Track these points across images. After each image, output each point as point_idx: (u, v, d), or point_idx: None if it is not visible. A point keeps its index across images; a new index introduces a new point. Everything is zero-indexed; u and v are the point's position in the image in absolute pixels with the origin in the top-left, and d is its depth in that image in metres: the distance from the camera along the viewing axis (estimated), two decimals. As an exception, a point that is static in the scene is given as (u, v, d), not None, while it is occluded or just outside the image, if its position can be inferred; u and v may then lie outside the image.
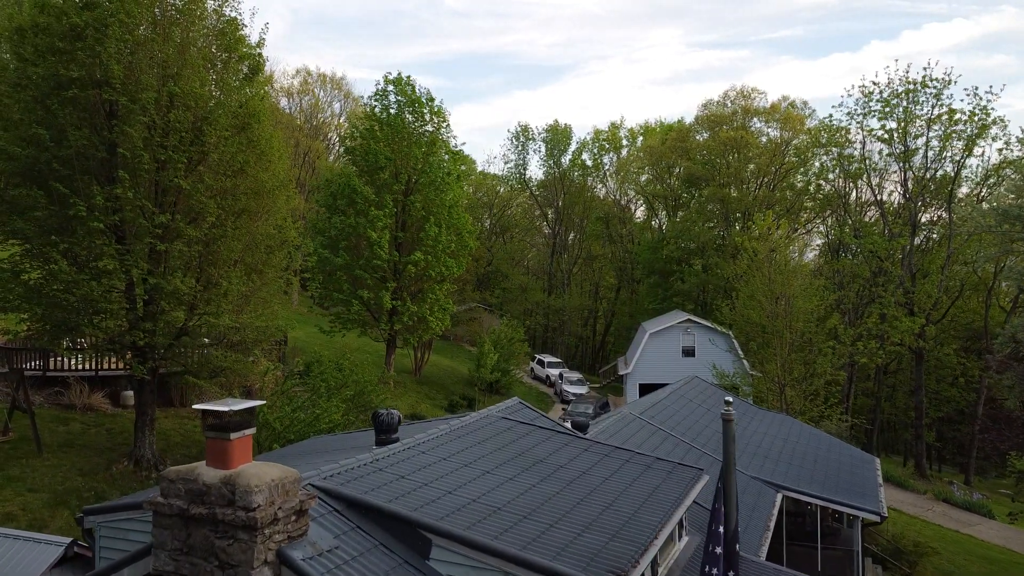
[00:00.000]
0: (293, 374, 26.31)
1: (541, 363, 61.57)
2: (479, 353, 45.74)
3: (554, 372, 59.23)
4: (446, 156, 44.19)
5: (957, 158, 49.02)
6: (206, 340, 26.12)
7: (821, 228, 66.22)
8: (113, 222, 21.70)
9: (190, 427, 29.62)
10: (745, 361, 50.45)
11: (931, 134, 48.65)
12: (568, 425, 33.16)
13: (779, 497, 21.48)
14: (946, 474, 57.23)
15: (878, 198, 53.23)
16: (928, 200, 51.54)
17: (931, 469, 53.70)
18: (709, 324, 53.17)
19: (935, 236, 52.82)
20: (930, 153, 49.12)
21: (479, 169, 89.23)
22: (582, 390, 54.65)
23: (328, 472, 9.98)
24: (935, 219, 53.59)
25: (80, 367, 28.73)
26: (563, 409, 46.51)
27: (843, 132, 51.41)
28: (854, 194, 55.31)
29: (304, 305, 65.90)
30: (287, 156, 27.69)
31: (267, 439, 22.89)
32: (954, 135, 47.88)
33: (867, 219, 55.57)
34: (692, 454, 22.02)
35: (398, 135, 42.21)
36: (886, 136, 49.22)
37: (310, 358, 36.89)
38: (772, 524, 19.37)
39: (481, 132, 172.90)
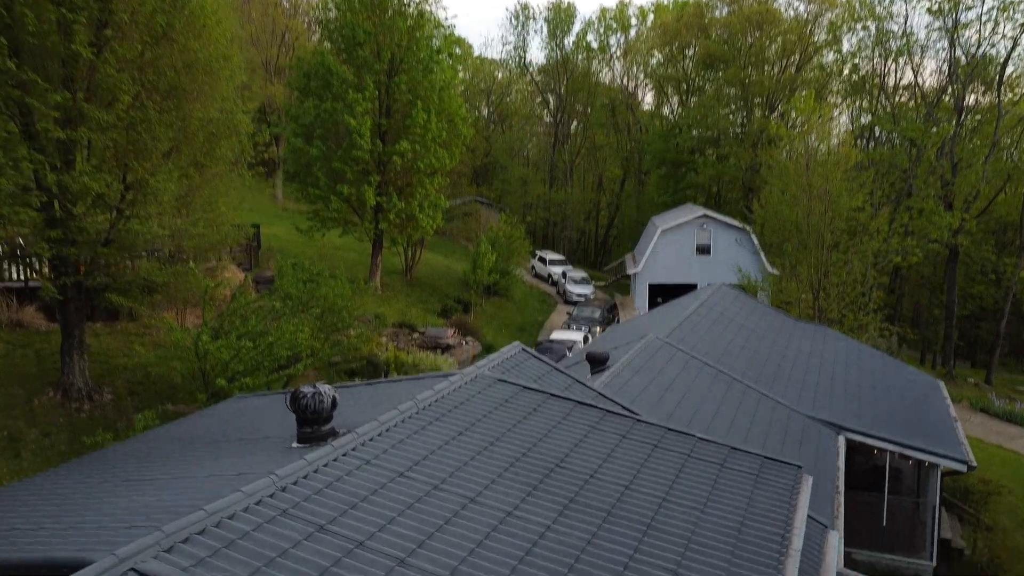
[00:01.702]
0: (247, 288, 21.50)
1: (543, 260, 56.87)
2: (475, 254, 40.98)
3: (557, 270, 54.60)
4: (436, 32, 38.13)
5: (1012, 34, 42.92)
6: (143, 252, 21.34)
7: (845, 117, 60.35)
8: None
9: (139, 344, 25.14)
10: (764, 259, 45.83)
11: (986, 5, 42.39)
12: (576, 334, 28.75)
13: (842, 442, 17.18)
14: (959, 370, 53.63)
15: (919, 80, 47.26)
16: (975, 82, 45.64)
17: (943, 367, 49.85)
18: (727, 220, 48.18)
19: (979, 118, 47.22)
20: (984, 29, 42.93)
21: (476, 53, 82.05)
22: (587, 290, 50.19)
23: (177, 535, 5.34)
24: (979, 103, 47.86)
25: (6, 276, 24.09)
26: (568, 314, 42.10)
27: (886, 3, 44.99)
28: (892, 77, 49.23)
29: (290, 198, 60.59)
30: (231, 22, 22.04)
31: (213, 371, 18.43)
32: (1013, 5, 41.57)
33: (903, 105, 49.71)
34: (747, 396, 17.60)
35: (380, 6, 36.04)
36: (936, 7, 42.86)
37: (288, 262, 32.15)
38: (842, 483, 15.11)
39: (477, 14, 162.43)
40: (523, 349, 11.28)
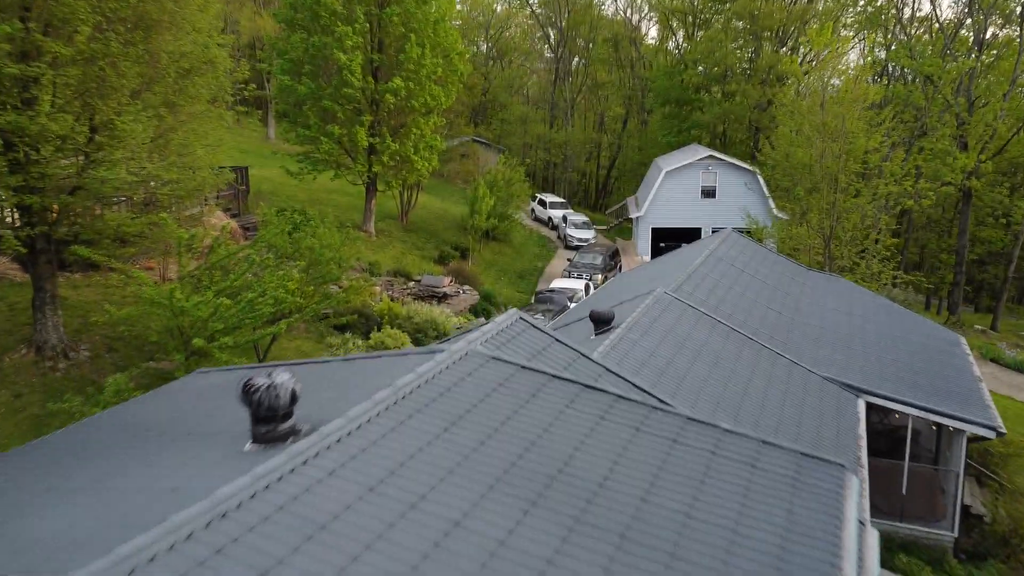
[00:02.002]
0: (226, 238, 19.99)
1: (543, 204, 55.23)
2: (472, 198, 39.42)
3: (557, 214, 53.03)
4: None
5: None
6: (114, 201, 19.88)
7: (856, 53, 57.95)
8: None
9: (119, 297, 23.82)
10: (772, 203, 44.27)
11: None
12: (576, 280, 27.59)
13: (862, 406, 16.02)
14: (965, 315, 52.47)
15: (936, 12, 44.85)
16: (995, 14, 43.36)
17: (950, 313, 48.66)
18: (733, 161, 46.43)
19: (995, 54, 45.05)
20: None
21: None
22: (588, 235, 48.73)
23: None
24: (998, 38, 45.62)
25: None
26: (568, 260, 40.74)
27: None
28: (909, 8, 46.79)
29: (284, 139, 58.63)
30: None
31: (192, 330, 17.14)
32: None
33: (920, 38, 47.42)
34: (761, 357, 16.35)
35: (370, -70, 33.81)
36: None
37: (272, 209, 30.69)
38: (864, 456, 13.97)
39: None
40: (521, 318, 9.98)
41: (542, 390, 7.74)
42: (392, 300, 31.77)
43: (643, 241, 47.15)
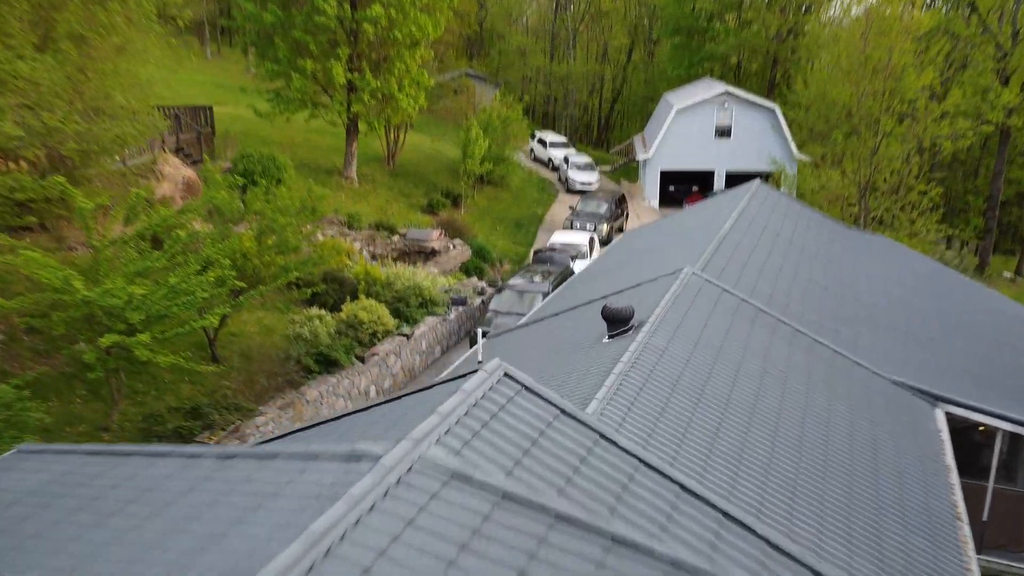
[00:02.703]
0: (140, 202, 16.00)
1: (542, 143, 51.02)
2: (465, 140, 35.41)
3: (558, 154, 48.92)
4: None
5: None
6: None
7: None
8: None
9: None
10: (792, 144, 40.29)
11: None
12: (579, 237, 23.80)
13: (941, 420, 12.66)
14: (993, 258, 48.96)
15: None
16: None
17: (976, 257, 45.07)
18: (751, 97, 42.20)
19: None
20: None
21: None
22: (592, 178, 44.74)
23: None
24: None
25: None
26: (570, 208, 36.93)
27: None
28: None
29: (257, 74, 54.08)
30: None
31: (109, 319, 13.60)
32: None
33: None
34: (817, 357, 12.87)
35: None
36: None
37: (217, 166, 27.03)
38: (959, 497, 10.66)
39: None
40: (507, 375, 6.44)
41: (533, 558, 4.29)
42: (374, 258, 28.21)
43: (651, 185, 43.31)
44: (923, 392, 13.18)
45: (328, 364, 18.20)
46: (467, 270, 28.03)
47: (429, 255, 29.25)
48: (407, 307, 21.96)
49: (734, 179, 42.76)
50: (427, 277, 23.95)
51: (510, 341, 14.59)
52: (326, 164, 35.44)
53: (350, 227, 29.24)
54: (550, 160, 49.54)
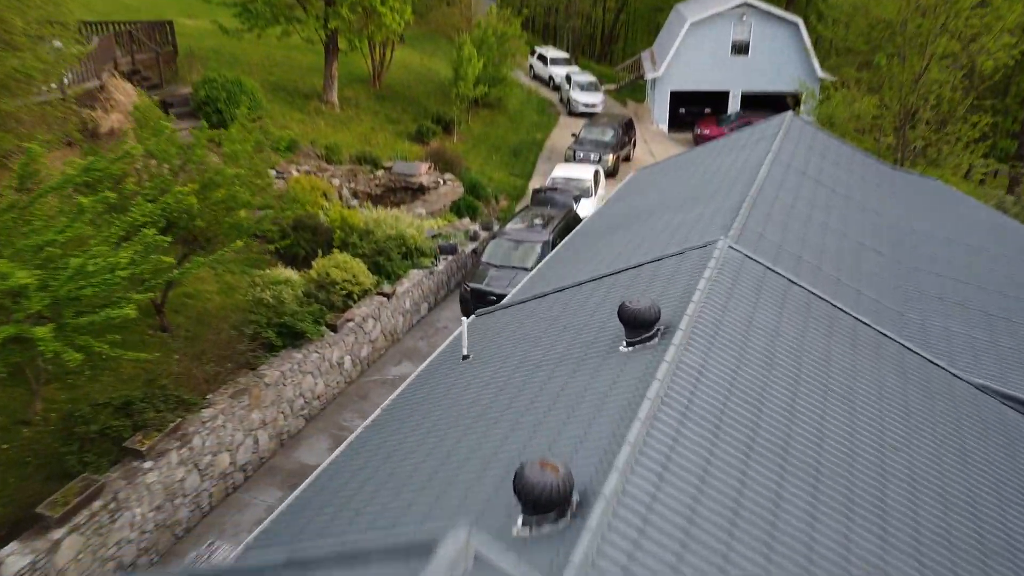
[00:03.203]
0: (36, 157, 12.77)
1: (543, 59, 47.11)
2: (457, 60, 31.80)
3: (559, 72, 45.12)
4: None
5: None
6: None
7: None
8: None
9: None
10: (816, 63, 36.67)
11: None
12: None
13: (1038, 436, 10.09)
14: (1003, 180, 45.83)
15: None
16: None
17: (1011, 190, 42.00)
18: (772, 10, 38.25)
19: None
20: None
21: None
22: (596, 99, 41.13)
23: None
24: None
25: None
26: (573, 135, 33.61)
27: None
28: None
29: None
30: None
31: None
32: None
33: None
34: (883, 356, 10.18)
35: None
36: None
37: (145, 101, 23.90)
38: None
39: None
40: (478, 559, 3.78)
41: None
42: (356, 196, 25.25)
43: (660, 107, 39.81)
44: (1014, 399, 10.58)
45: (294, 336, 15.56)
46: (458, 209, 25.10)
47: (416, 192, 26.27)
48: (388, 260, 19.17)
49: (750, 101, 39.29)
50: (412, 223, 21.06)
51: (500, 332, 11.93)
52: (305, 87, 32.00)
53: (329, 161, 26.16)
54: (551, 78, 45.78)
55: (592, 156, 30.59)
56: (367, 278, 18.01)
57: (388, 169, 26.87)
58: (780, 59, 37.47)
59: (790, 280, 11.08)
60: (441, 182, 26.50)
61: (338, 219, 20.13)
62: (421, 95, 36.15)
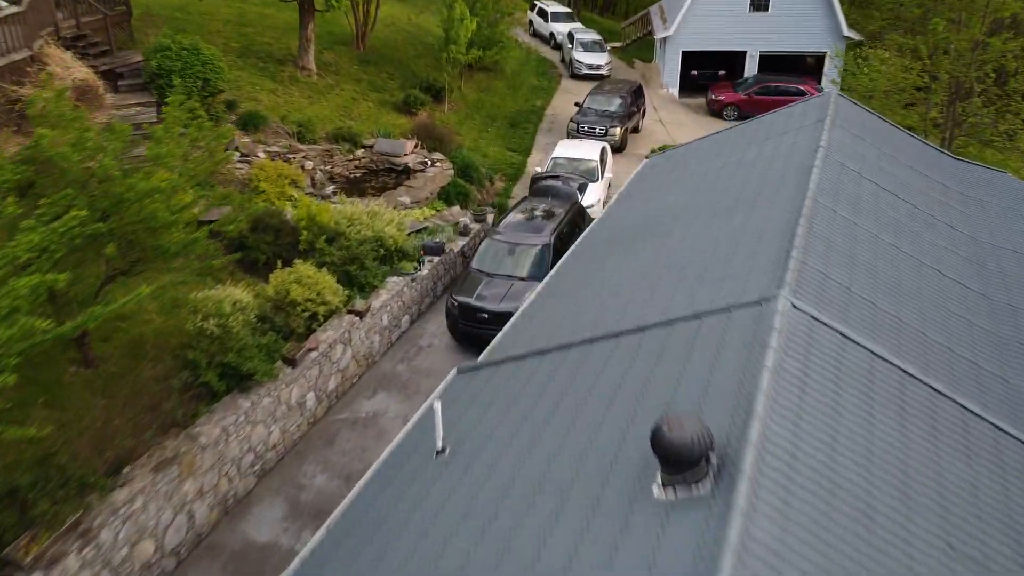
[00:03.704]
0: None
1: (543, 14, 43.35)
2: (447, 20, 28.30)
3: (561, 29, 41.44)
4: None
5: None
6: None
7: None
8: None
9: None
10: (842, 19, 33.22)
11: None
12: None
13: None
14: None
15: None
16: None
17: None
18: (795, -39, 34.56)
19: None
20: None
21: None
22: (601, 60, 37.60)
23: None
24: None
25: None
26: (576, 105, 30.21)
27: None
28: None
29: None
30: None
31: None
32: None
33: None
34: (1008, 462, 7.40)
35: None
36: None
37: (160, 45, 21.05)
38: None
39: None
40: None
41: None
42: (332, 182, 22.20)
43: (670, 69, 36.33)
44: None
45: (240, 379, 12.75)
46: (448, 196, 22.04)
47: (401, 174, 23.19)
48: (362, 270, 16.24)
49: (769, 62, 35.84)
50: (392, 220, 18.04)
51: (487, 409, 9.11)
52: (279, 50, 28.61)
53: (302, 140, 23.03)
54: (552, 35, 42.13)
55: (598, 129, 27.38)
56: (335, 295, 15.12)
57: (369, 148, 23.76)
58: (803, 16, 33.94)
59: (873, 353, 8.21)
60: (429, 163, 23.38)
61: (305, 217, 17.13)
62: (410, 58, 32.73)
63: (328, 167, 22.58)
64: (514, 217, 18.23)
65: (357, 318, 15.35)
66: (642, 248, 12.78)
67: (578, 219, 18.61)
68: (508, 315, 14.65)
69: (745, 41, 35.53)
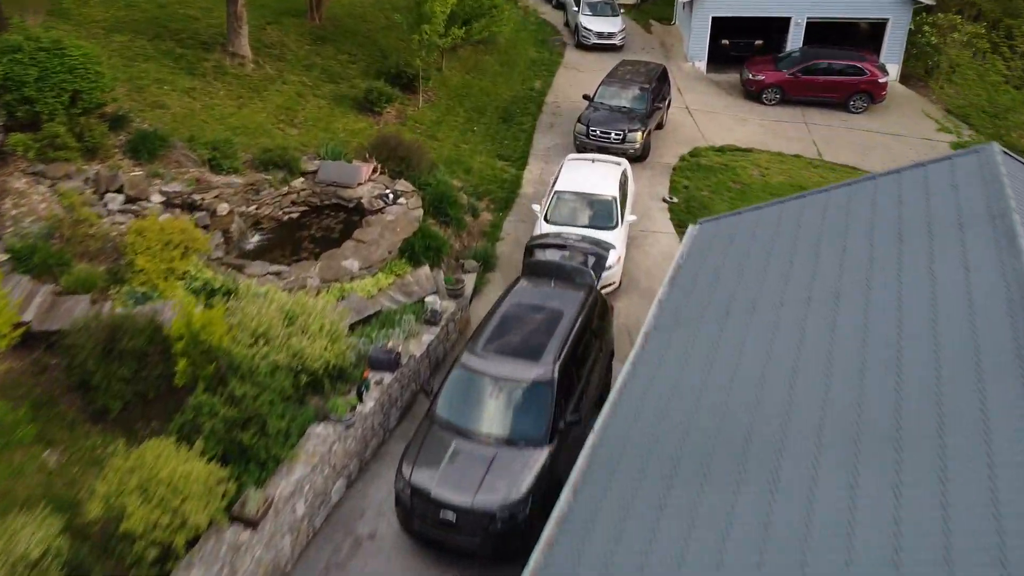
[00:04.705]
0: None
1: (542, -36, 36.11)
2: (417, -6, 21.53)
3: (564, -17, 34.43)
4: None
5: None
6: None
7: None
8: None
9: None
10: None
11: None
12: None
13: None
14: None
15: None
16: None
17: None
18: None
19: None
20: None
21: None
22: (614, 26, 30.72)
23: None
24: None
25: None
26: (585, 98, 23.42)
27: None
28: None
29: None
30: None
31: None
32: None
33: None
34: None
35: None
36: None
37: (8, 42, 14.47)
38: None
39: None
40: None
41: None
42: (258, 225, 16.09)
43: (697, 39, 29.49)
44: None
45: None
46: (413, 252, 15.82)
47: (352, 214, 16.95)
48: (262, 436, 10.18)
49: (817, 31, 29.05)
50: (323, 325, 11.94)
51: None
52: (207, 30, 21.97)
53: (217, 168, 16.67)
54: (555, -6, 35.04)
55: (613, 134, 20.95)
56: (206, 507, 9.14)
57: (311, 175, 17.45)
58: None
59: None
60: (391, 196, 17.07)
61: (185, 335, 11.03)
62: (379, 34, 25.96)
63: (253, 208, 16.34)
64: (498, 323, 12.06)
65: (247, 530, 9.46)
66: (725, 452, 6.75)
67: (596, 319, 12.55)
68: (489, 517, 8.97)
69: (787, 4, 28.65)
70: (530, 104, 25.33)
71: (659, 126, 23.60)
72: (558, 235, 14.32)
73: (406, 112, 21.89)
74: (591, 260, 13.35)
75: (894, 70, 28.49)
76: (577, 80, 27.44)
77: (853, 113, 26.44)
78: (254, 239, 16.07)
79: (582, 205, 16.66)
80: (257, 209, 16.43)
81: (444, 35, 21.58)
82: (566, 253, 13.51)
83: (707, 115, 25.81)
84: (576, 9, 31.33)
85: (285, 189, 16.87)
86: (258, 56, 21.40)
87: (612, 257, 15.21)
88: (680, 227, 18.87)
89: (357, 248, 15.22)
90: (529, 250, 14.06)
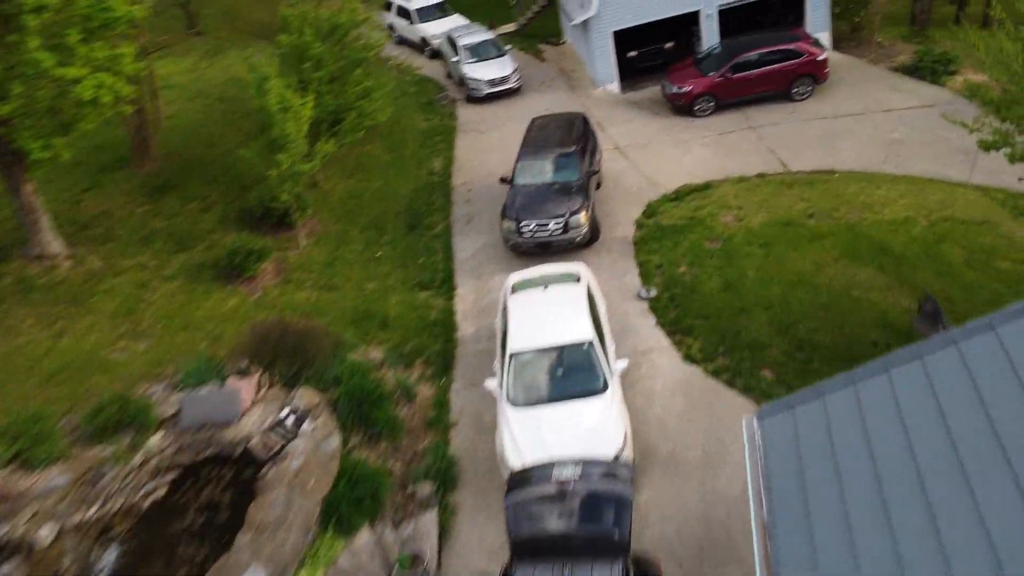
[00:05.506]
0: None
1: (404, 13, 30.85)
2: (260, 110, 16.21)
3: (434, 31, 29.41)
4: None
5: None
6: None
7: None
8: None
9: None
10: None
11: None
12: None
13: None
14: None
15: None
16: None
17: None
18: None
19: None
20: None
21: None
22: (506, 70, 25.69)
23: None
24: None
25: None
26: (503, 183, 18.49)
27: None
28: None
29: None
30: None
31: None
32: None
33: None
34: None
35: None
36: None
37: None
38: None
39: None
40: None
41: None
42: (106, 550, 10.68)
43: (602, 60, 24.92)
44: None
45: None
46: (340, 516, 10.68)
47: (243, 468, 11.71)
48: None
49: (731, 18, 24.82)
50: None
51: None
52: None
53: (29, 463, 11.23)
54: (424, 42, 30.04)
55: (551, 224, 16.17)
56: None
57: (172, 420, 12.16)
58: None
59: None
60: (289, 421, 11.91)
61: None
62: (232, 151, 20.49)
63: (95, 508, 11.00)
64: None
65: None
66: None
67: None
68: None
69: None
70: (435, 195, 20.37)
71: (598, 185, 18.93)
72: (547, 470, 9.33)
73: (287, 262, 16.70)
74: (608, 513, 8.45)
75: (826, 39, 24.48)
76: (482, 145, 22.64)
77: (798, 101, 22.39)
78: (110, 559, 10.75)
79: (551, 365, 11.84)
80: (103, 506, 11.09)
81: (310, 157, 16.39)
82: (565, 506, 8.62)
83: (642, 150, 21.30)
84: (456, 59, 26.41)
85: (138, 459, 11.56)
86: (75, 245, 15.94)
87: (619, 438, 10.45)
88: (674, 333, 14.16)
89: (257, 544, 10.05)
90: (512, 484, 9.13)
